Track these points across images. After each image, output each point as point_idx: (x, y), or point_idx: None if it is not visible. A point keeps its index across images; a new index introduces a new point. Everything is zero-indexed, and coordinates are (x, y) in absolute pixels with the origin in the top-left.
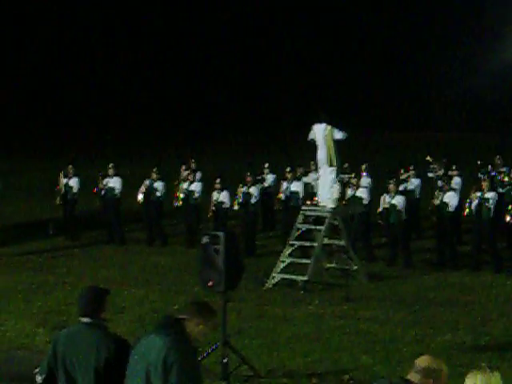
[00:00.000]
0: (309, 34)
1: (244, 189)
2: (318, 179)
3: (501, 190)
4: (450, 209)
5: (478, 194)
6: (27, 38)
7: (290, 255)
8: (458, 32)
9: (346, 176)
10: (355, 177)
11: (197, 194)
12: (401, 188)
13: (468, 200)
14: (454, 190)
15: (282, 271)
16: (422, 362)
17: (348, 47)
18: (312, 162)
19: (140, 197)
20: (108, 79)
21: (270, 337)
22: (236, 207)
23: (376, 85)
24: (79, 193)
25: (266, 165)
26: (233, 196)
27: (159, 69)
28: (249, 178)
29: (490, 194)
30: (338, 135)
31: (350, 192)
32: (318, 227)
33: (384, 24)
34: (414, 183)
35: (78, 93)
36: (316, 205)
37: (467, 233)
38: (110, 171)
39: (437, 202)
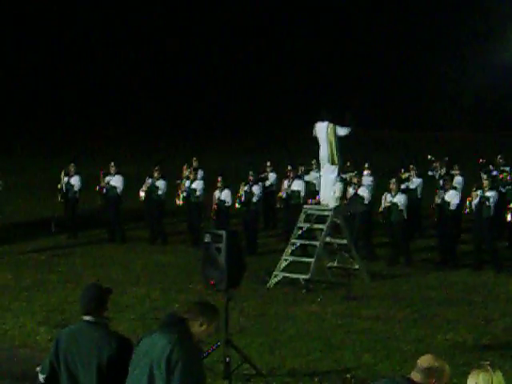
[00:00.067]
0: (310, 34)
1: (246, 187)
2: (319, 178)
3: (502, 190)
4: (452, 207)
5: (479, 192)
6: (28, 37)
7: (292, 254)
8: (460, 31)
9: (348, 175)
10: (356, 175)
11: (198, 193)
12: (402, 187)
13: (469, 199)
14: (455, 188)
15: (284, 270)
16: (425, 361)
17: (349, 46)
18: (313, 161)
19: (142, 195)
20: (110, 78)
21: (272, 335)
22: (238, 206)
23: (377, 84)
24: (81, 191)
25: (268, 163)
26: (234, 194)
27: (161, 68)
28: (251, 177)
29: (490, 193)
30: (342, 131)
31: (351, 191)
32: (319, 226)
33: (385, 23)
34: (415, 182)
35: (79, 91)
36: (318, 203)
37: (468, 232)
38: (112, 169)
39: (438, 200)
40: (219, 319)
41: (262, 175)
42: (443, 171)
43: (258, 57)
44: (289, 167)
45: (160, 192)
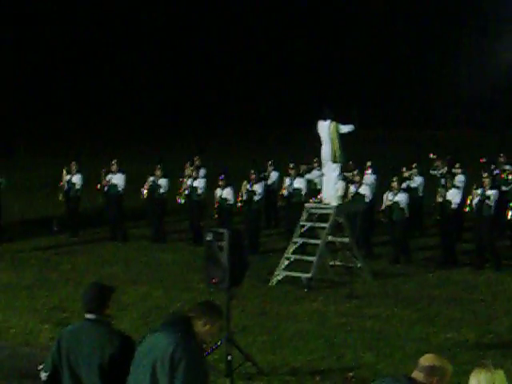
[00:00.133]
0: (312, 32)
1: (248, 186)
2: (322, 176)
3: (504, 188)
4: (453, 206)
5: (479, 191)
6: (28, 35)
7: (294, 252)
8: (462, 29)
9: (350, 173)
10: (358, 174)
11: (200, 191)
12: (404, 185)
13: (470, 197)
14: (457, 187)
15: (286, 268)
16: (427, 360)
17: (351, 45)
18: (315, 159)
19: (144, 193)
20: (112, 76)
21: (274, 334)
22: (240, 204)
23: (380, 82)
24: (82, 189)
25: (270, 162)
26: (237, 193)
27: (163, 66)
28: (253, 175)
29: (491, 192)
30: (346, 129)
31: (352, 189)
32: (321, 224)
33: (387, 22)
34: (417, 181)
35: (81, 90)
36: (320, 202)
37: (470, 230)
38: (113, 167)
39: (440, 199)
40: (223, 320)
41: (264, 174)
42: (445, 170)
43: (261, 55)
44: (291, 165)
45: (162, 190)
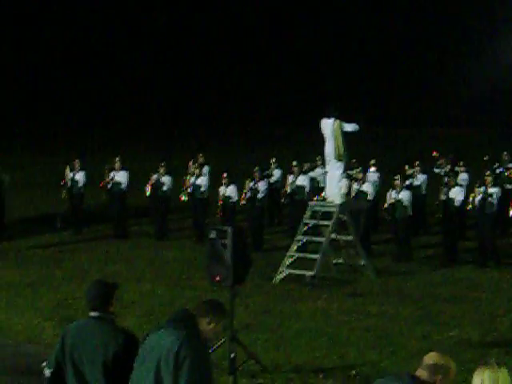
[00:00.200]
0: (317, 30)
1: (251, 184)
2: (325, 174)
3: (508, 186)
4: (456, 204)
5: (482, 189)
6: (32, 32)
7: (298, 250)
8: (465, 27)
9: (353, 171)
10: (361, 171)
11: (203, 189)
12: (407, 183)
13: (472, 195)
14: (460, 185)
15: (290, 266)
16: (430, 358)
17: (355, 44)
18: (318, 157)
19: (148, 191)
20: (115, 74)
21: (277, 332)
22: (243, 202)
23: (383, 81)
24: (86, 187)
25: (273, 160)
26: (240, 191)
27: (166, 64)
28: (256, 173)
29: (493, 189)
30: (349, 127)
31: (355, 187)
32: (325, 222)
33: (389, 19)
34: (420, 179)
35: (84, 87)
36: (324, 200)
37: (473, 228)
38: (117, 165)
39: (443, 197)
40: (227, 318)
41: (267, 172)
42: (448, 168)
43: (263, 53)
44: (294, 163)
45: (165, 188)
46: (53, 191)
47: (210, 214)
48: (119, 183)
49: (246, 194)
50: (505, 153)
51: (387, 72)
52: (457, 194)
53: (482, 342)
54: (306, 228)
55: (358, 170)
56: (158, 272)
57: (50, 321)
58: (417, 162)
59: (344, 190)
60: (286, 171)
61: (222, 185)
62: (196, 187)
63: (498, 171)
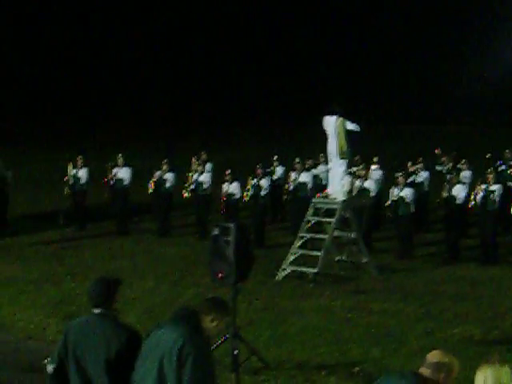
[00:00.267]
0: (321, 26)
1: (254, 181)
2: (328, 171)
3: (510, 184)
4: (458, 201)
5: (484, 186)
6: (37, 28)
7: (301, 247)
8: (468, 24)
9: (356, 168)
10: (363, 168)
11: (205, 185)
12: (409, 180)
13: (474, 192)
14: (462, 183)
15: (293, 263)
16: (434, 356)
17: (357, 41)
18: (321, 154)
19: (150, 187)
20: (119, 70)
21: (280, 329)
22: (246, 199)
23: (385, 78)
24: (88, 183)
25: (275, 157)
26: (243, 188)
27: (170, 62)
28: (259, 171)
29: (495, 187)
30: (351, 126)
31: (357, 184)
32: (328, 219)
33: (393, 16)
34: (422, 176)
35: (88, 84)
36: (326, 197)
37: (474, 226)
38: (119, 161)
39: (445, 194)
40: (230, 316)
41: (269, 169)
42: (451, 165)
43: (269, 49)
44: (296, 160)
45: (168, 185)
46: (56, 188)
47: (213, 210)
48: (122, 180)
49: (248, 191)
50: (507, 150)
51: (389, 69)
52: (459, 192)
53: (484, 339)
54: (308, 225)
55: (360, 167)
56: (160, 269)
57: (53, 317)
58: (419, 159)
59: (347, 187)
60: (289, 168)
61: (225, 182)
62: (199, 184)
63: (500, 169)
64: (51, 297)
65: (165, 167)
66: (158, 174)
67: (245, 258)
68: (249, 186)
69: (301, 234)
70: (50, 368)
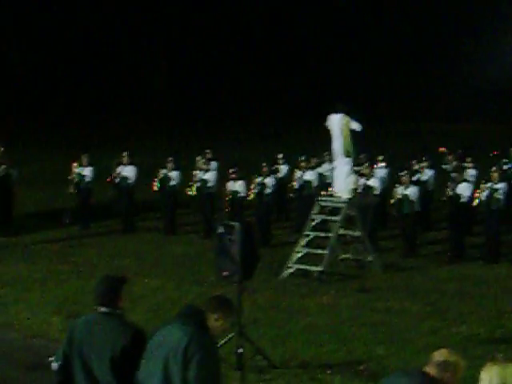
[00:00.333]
0: (328, 23)
1: (259, 179)
2: (332, 169)
3: None
4: (463, 200)
5: (488, 184)
6: (43, 26)
7: (306, 246)
8: (477, 21)
9: (361, 167)
10: (368, 166)
11: (211, 184)
12: (414, 179)
13: (478, 191)
14: (467, 181)
15: (298, 261)
16: (440, 355)
17: (367, 37)
18: (326, 153)
19: (155, 186)
20: (123, 68)
21: (285, 327)
22: (251, 197)
23: (390, 76)
24: (94, 182)
25: (280, 155)
26: (248, 186)
27: (174, 57)
28: (264, 169)
29: (499, 185)
30: (354, 125)
31: (362, 182)
32: (333, 218)
33: (395, 14)
34: (427, 174)
35: (93, 82)
36: (331, 195)
37: (479, 224)
38: (124, 160)
39: (450, 193)
40: (235, 315)
41: (274, 167)
42: (456, 164)
43: (275, 47)
44: (301, 158)
45: (174, 183)
46: (61, 186)
47: (218, 209)
48: (127, 178)
49: (253, 189)
50: (511, 149)
51: (395, 67)
52: (464, 190)
53: (489, 338)
54: (313, 223)
55: (365, 165)
56: (166, 267)
57: (58, 316)
58: (424, 157)
59: (352, 186)
60: (294, 167)
61: (230, 180)
62: (204, 182)
63: (505, 167)
64: (56, 295)
65: (170, 165)
66: (163, 172)
67: (250, 257)
68: (254, 185)
69: (306, 233)
70: (55, 366)
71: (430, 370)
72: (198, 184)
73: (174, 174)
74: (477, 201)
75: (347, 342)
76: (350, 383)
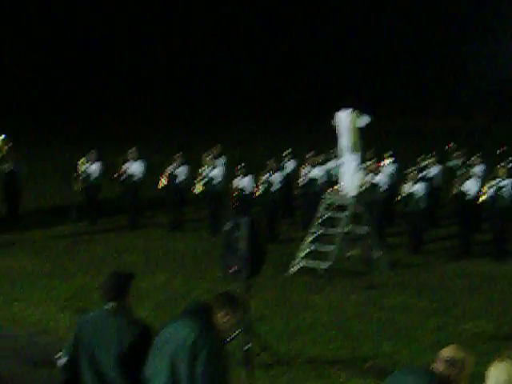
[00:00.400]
0: (337, 19)
1: (266, 176)
2: (339, 166)
3: None
4: (470, 196)
5: (494, 181)
6: (50, 23)
7: (312, 242)
8: (486, 17)
9: (368, 163)
10: (374, 163)
11: (218, 180)
12: (421, 175)
13: (485, 187)
14: (474, 177)
15: (304, 258)
16: (448, 352)
17: (376, 34)
18: (333, 150)
19: (162, 182)
20: (131, 65)
21: (292, 324)
22: (259, 193)
23: (397, 72)
24: (101, 178)
25: (287, 152)
26: (256, 182)
27: (184, 54)
28: (271, 165)
29: (506, 182)
30: (363, 120)
31: (369, 178)
32: (340, 214)
33: (404, 10)
34: (434, 170)
35: (100, 79)
36: (338, 192)
37: (487, 221)
38: (132, 156)
39: (457, 189)
40: (242, 312)
41: (281, 164)
42: (463, 160)
43: (282, 43)
44: (308, 155)
45: (181, 179)
46: (68, 182)
47: (226, 205)
48: (134, 174)
49: (260, 186)
50: None
51: (403, 64)
52: (471, 187)
53: (496, 334)
54: (320, 220)
55: (372, 161)
56: (172, 263)
57: (65, 312)
58: (432, 154)
59: (359, 182)
60: (300, 163)
61: (237, 176)
62: (211, 179)
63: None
64: (63, 291)
65: (177, 161)
66: (170, 168)
67: (257, 253)
68: (261, 181)
69: (312, 229)
70: (62, 361)
71: (438, 366)
72: (205, 180)
73: (182, 170)
74: (483, 197)
75: (354, 338)
76: (357, 380)
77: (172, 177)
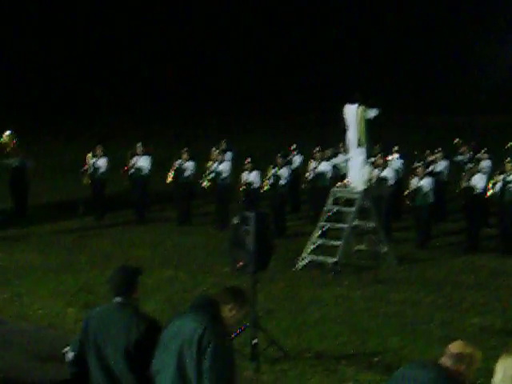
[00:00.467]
0: (344, 18)
1: (274, 170)
2: (347, 160)
3: None
4: (478, 191)
5: (502, 176)
6: (53, 22)
7: (320, 237)
8: (492, 14)
9: (375, 157)
10: (382, 157)
11: (225, 174)
12: (428, 170)
13: (492, 182)
14: (481, 172)
15: (312, 253)
16: (456, 347)
17: (385, 29)
18: (341, 144)
19: (169, 176)
20: (138, 60)
21: (299, 318)
22: (266, 187)
23: (405, 68)
24: (108, 172)
25: (294, 146)
26: (263, 176)
27: (190, 51)
28: (279, 160)
29: None
30: (372, 113)
31: (376, 172)
32: (347, 209)
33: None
34: (441, 165)
35: (107, 74)
36: (346, 186)
37: (494, 216)
38: (139, 150)
39: (464, 184)
40: (249, 306)
41: (288, 158)
42: (470, 155)
43: (289, 40)
44: (316, 149)
45: (188, 173)
46: (75, 177)
47: (233, 200)
48: (141, 169)
49: (268, 180)
50: None
51: (412, 59)
52: (478, 181)
53: (504, 329)
54: (328, 214)
55: (379, 155)
56: (180, 258)
57: (72, 306)
58: (439, 149)
59: (366, 177)
60: (308, 157)
61: (244, 170)
62: (218, 173)
63: None
64: (70, 286)
65: (185, 156)
66: (178, 162)
67: (264, 247)
68: (269, 175)
69: (320, 224)
70: (69, 356)
71: (446, 361)
72: (213, 175)
73: (189, 165)
74: (490, 192)
75: (361, 333)
76: (364, 374)
77: (180, 171)
